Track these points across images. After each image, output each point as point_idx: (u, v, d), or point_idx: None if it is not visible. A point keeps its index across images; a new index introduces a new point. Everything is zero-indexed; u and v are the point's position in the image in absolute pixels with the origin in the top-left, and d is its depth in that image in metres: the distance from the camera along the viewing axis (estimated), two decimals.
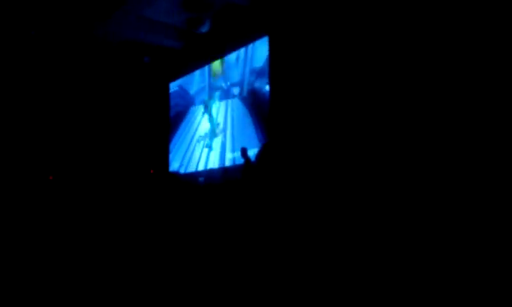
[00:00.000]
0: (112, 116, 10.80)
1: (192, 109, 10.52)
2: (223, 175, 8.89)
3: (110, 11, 8.53)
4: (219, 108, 9.59)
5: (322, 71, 6.77)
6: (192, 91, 10.65)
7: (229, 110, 9.22)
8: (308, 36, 7.07)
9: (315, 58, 6.93)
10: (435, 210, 3.60)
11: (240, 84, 8.99)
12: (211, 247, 2.58)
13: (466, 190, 4.25)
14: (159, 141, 11.13)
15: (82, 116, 10.41)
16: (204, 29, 8.98)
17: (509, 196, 3.80)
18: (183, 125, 10.78)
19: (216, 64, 9.75)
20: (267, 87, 8.14)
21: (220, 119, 9.49)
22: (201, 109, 10.21)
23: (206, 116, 9.96)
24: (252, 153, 7.45)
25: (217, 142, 9.40)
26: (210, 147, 9.52)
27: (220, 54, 9.38)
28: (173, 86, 11.18)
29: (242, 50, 8.92)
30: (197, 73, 10.43)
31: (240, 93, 8.93)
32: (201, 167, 9.75)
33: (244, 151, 7.37)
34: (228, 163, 8.91)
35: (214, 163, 9.36)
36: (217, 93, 9.72)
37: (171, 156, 10.90)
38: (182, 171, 10.26)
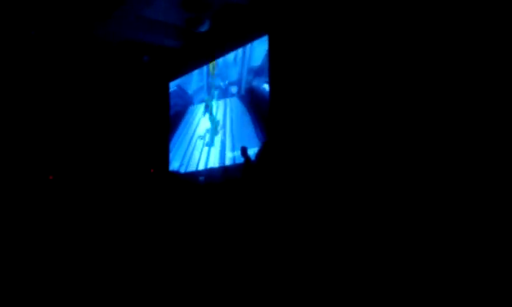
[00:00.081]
0: (112, 115, 10.80)
1: (191, 108, 10.54)
2: (223, 174, 8.90)
3: (109, 11, 8.53)
4: (218, 107, 9.61)
5: (322, 70, 6.77)
6: (191, 90, 10.67)
7: (228, 109, 9.24)
8: (308, 34, 7.07)
9: (314, 57, 6.93)
10: (435, 209, 3.61)
11: (238, 82, 9.02)
12: (211, 246, 2.59)
13: (466, 189, 4.25)
14: (159, 140, 11.13)
15: (82, 116, 10.41)
16: (203, 28, 8.98)
17: (509, 196, 3.81)
18: (182, 124, 10.78)
19: (214, 63, 9.79)
20: (265, 86, 8.16)
21: (219, 118, 9.51)
22: (201, 108, 10.22)
23: (206, 115, 9.96)
24: (252, 152, 7.46)
25: (217, 141, 9.41)
26: (212, 144, 9.53)
27: (220, 53, 9.38)
28: (172, 86, 11.19)
29: (240, 49, 8.95)
30: (195, 72, 10.44)
31: (238, 92, 8.97)
32: (201, 167, 9.76)
33: (244, 150, 7.38)
34: (228, 162, 8.91)
35: (214, 162, 9.37)
36: (216, 92, 9.74)
37: (171, 155, 10.91)
38: (182, 170, 10.27)
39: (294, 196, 2.43)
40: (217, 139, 9.41)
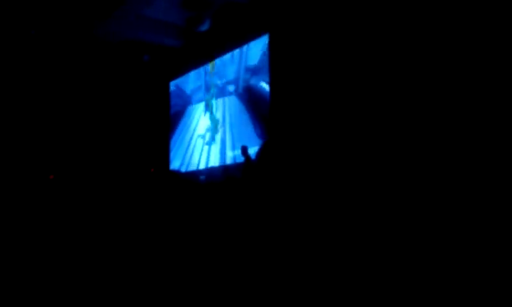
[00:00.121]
0: (112, 115, 10.81)
1: (190, 108, 10.58)
2: (224, 173, 8.90)
3: (109, 11, 8.53)
4: (217, 106, 9.64)
5: (323, 69, 6.76)
6: (189, 90, 10.72)
7: (226, 107, 9.29)
8: (308, 33, 7.07)
9: (315, 56, 6.92)
10: (435, 209, 3.60)
11: (235, 81, 9.09)
12: (212, 245, 2.59)
13: (466, 189, 4.25)
14: (159, 139, 11.13)
15: (82, 115, 10.41)
16: (204, 27, 8.98)
17: (509, 196, 3.80)
18: (182, 123, 10.80)
19: (214, 62, 9.82)
20: (263, 84, 8.23)
21: (218, 117, 9.53)
22: (199, 107, 10.24)
23: (206, 114, 9.97)
24: (252, 151, 7.46)
25: (217, 140, 9.43)
26: (212, 143, 9.54)
27: (220, 52, 9.38)
28: (171, 86, 11.21)
29: (238, 48, 9.02)
30: (192, 72, 10.47)
31: (236, 90, 9.03)
32: (202, 166, 9.77)
33: (244, 150, 7.38)
34: (228, 161, 8.92)
35: (214, 161, 9.37)
36: (214, 91, 9.78)
37: (171, 155, 10.92)
38: (183, 169, 10.28)
39: (294, 195, 2.42)
40: (218, 138, 9.42)
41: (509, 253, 2.46)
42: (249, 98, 8.61)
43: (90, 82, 10.58)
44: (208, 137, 9.75)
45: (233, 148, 8.81)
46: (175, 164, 10.70)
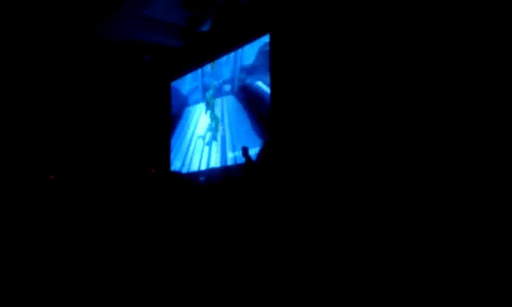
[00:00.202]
0: (113, 115, 10.80)
1: (187, 109, 10.62)
2: (224, 174, 8.90)
3: (110, 11, 8.51)
4: (215, 105, 9.68)
5: (323, 69, 6.74)
6: (185, 91, 10.76)
7: (225, 107, 9.32)
8: (309, 34, 7.05)
9: (316, 56, 6.91)
10: (435, 209, 3.58)
11: (231, 81, 9.16)
12: (212, 246, 2.57)
13: (466, 189, 4.23)
14: (160, 140, 11.12)
15: (83, 116, 10.40)
16: (205, 27, 8.96)
17: (509, 196, 3.78)
18: (180, 125, 10.83)
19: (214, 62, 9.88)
20: (259, 83, 8.29)
21: (218, 117, 9.57)
22: (198, 108, 10.27)
23: (207, 113, 9.98)
24: (253, 152, 7.45)
25: (218, 139, 9.43)
26: (212, 143, 9.54)
27: (221, 52, 9.37)
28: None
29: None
30: (189, 73, 10.53)
31: (232, 90, 9.09)
32: (203, 167, 9.76)
33: (245, 151, 7.36)
34: (229, 162, 8.91)
35: (215, 162, 9.36)
36: (211, 91, 9.81)
37: (172, 155, 10.91)
38: (184, 170, 10.27)
39: (295, 196, 2.40)
40: (218, 138, 9.42)
41: (508, 253, 2.44)
42: (246, 97, 8.69)
43: (91, 83, 10.57)
44: (209, 137, 9.75)
45: (234, 149, 8.80)
46: (176, 165, 10.69)
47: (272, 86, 7.94)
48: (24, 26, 8.91)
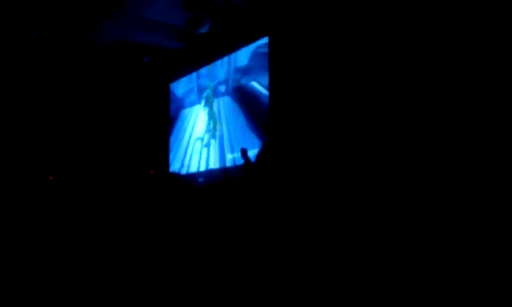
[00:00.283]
0: (112, 116, 10.80)
1: (184, 111, 10.67)
2: (223, 175, 8.91)
3: (110, 12, 8.53)
4: (212, 106, 9.72)
5: (322, 71, 6.76)
6: (180, 93, 10.81)
7: (221, 107, 9.37)
8: (308, 36, 7.07)
9: (314, 58, 6.93)
10: (435, 209, 3.60)
11: (225, 82, 9.25)
12: (211, 247, 2.58)
13: (466, 190, 4.25)
14: (159, 141, 11.13)
15: (82, 117, 10.40)
16: (204, 29, 8.99)
17: (509, 196, 3.80)
18: (177, 127, 10.88)
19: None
20: (254, 84, 8.38)
21: (216, 117, 9.62)
22: (195, 110, 10.32)
23: (205, 111, 10.01)
24: (252, 153, 7.47)
25: (217, 139, 9.47)
26: (214, 140, 9.56)
27: (220, 54, 9.40)
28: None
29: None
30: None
31: (227, 90, 9.18)
32: (202, 168, 9.77)
33: (244, 152, 7.37)
34: (228, 163, 8.93)
35: (214, 163, 9.38)
36: (209, 90, 9.87)
37: (171, 157, 10.92)
38: (183, 171, 10.28)
39: (294, 197, 2.42)
40: (217, 138, 9.46)
41: (508, 253, 2.46)
42: (241, 97, 8.77)
43: (90, 84, 10.57)
44: (207, 138, 9.77)
45: (232, 150, 8.83)
46: (175, 166, 10.70)
47: (270, 88, 7.97)
48: (24, 27, 8.91)
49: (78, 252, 3.25)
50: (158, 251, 2.69)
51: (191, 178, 9.73)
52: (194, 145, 10.18)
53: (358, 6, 6.29)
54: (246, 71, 8.65)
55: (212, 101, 9.72)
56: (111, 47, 10.05)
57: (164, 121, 11.19)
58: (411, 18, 5.56)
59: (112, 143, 10.69)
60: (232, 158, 8.80)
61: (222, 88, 9.38)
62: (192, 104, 10.40)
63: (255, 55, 8.43)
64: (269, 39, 8.07)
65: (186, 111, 10.62)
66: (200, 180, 9.42)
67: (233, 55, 9.04)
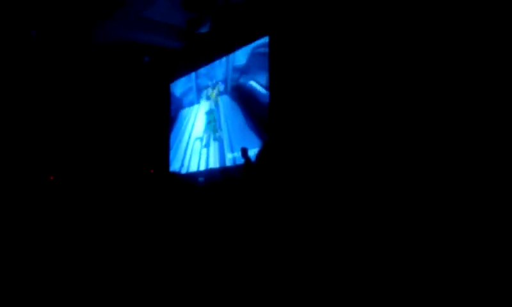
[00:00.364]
0: (112, 116, 10.81)
1: (183, 111, 10.68)
2: (223, 175, 8.92)
3: (110, 12, 8.53)
4: (211, 105, 9.74)
5: (322, 70, 6.77)
6: (178, 93, 10.82)
7: (221, 106, 9.37)
8: (308, 36, 7.08)
9: (314, 58, 6.93)
10: (435, 210, 3.60)
11: (224, 81, 9.29)
12: (211, 247, 2.59)
13: (466, 190, 4.25)
14: (159, 141, 11.13)
15: (82, 117, 10.41)
16: (204, 29, 8.99)
17: (509, 196, 3.80)
18: (177, 126, 10.89)
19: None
20: (252, 83, 8.42)
21: (216, 116, 9.62)
22: (194, 109, 10.33)
23: (202, 113, 10.01)
24: (252, 153, 7.47)
25: (217, 138, 9.48)
26: (214, 141, 9.56)
27: (221, 53, 9.41)
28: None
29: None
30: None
31: (226, 89, 9.22)
32: (202, 167, 9.78)
33: (244, 152, 7.38)
34: (228, 163, 8.94)
35: (214, 163, 9.39)
36: (205, 92, 9.94)
37: (171, 156, 10.92)
38: (183, 171, 10.29)
39: (294, 197, 2.42)
40: (217, 136, 9.47)
41: (508, 253, 2.46)
42: (240, 96, 8.82)
43: (90, 84, 10.58)
44: (207, 138, 9.78)
45: (232, 150, 8.84)
46: (175, 166, 10.71)
47: (271, 88, 7.97)
48: (24, 27, 8.92)
49: (78, 252, 3.25)
50: (158, 251, 2.70)
51: (191, 177, 9.74)
52: (194, 144, 10.19)
53: (358, 6, 6.29)
54: (244, 70, 8.69)
55: (216, 101, 9.73)
56: (111, 47, 10.05)
57: (164, 120, 11.19)
58: (411, 18, 5.56)
59: (112, 143, 10.69)
60: (232, 157, 8.81)
61: (221, 87, 9.41)
62: (192, 104, 10.41)
63: (253, 54, 8.46)
64: (270, 39, 8.08)
65: (185, 111, 10.64)
66: (200, 179, 9.43)
67: (231, 55, 9.08)
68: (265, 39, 8.20)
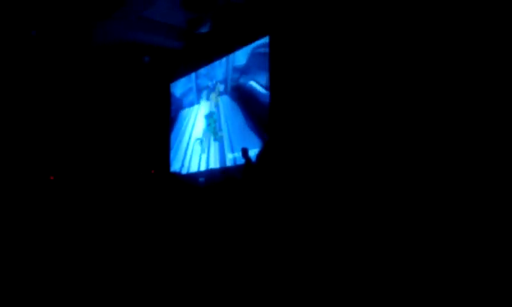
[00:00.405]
0: (113, 116, 10.81)
1: (183, 112, 10.68)
2: (224, 175, 8.92)
3: (110, 12, 8.53)
4: (211, 105, 9.74)
5: (322, 70, 6.77)
6: (178, 94, 10.82)
7: (221, 106, 9.38)
8: (308, 36, 7.08)
9: (314, 58, 6.93)
10: (435, 210, 3.59)
11: (224, 81, 9.30)
12: (212, 247, 2.58)
13: (466, 190, 4.24)
14: (159, 141, 11.14)
15: (83, 117, 10.42)
16: (204, 29, 8.99)
17: (509, 196, 3.80)
18: (177, 127, 10.89)
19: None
20: (252, 83, 8.45)
21: (216, 117, 9.63)
22: (194, 110, 10.34)
23: (203, 114, 10.01)
24: (253, 153, 7.47)
25: (217, 138, 9.49)
26: (214, 141, 9.56)
27: (221, 54, 9.41)
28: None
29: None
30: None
31: (226, 89, 9.25)
32: (202, 168, 9.78)
33: (244, 152, 7.38)
34: (228, 163, 8.94)
35: (215, 163, 9.39)
36: (205, 92, 9.85)
37: (171, 157, 10.92)
38: (183, 171, 10.29)
39: (295, 197, 2.42)
40: (217, 137, 9.47)
41: (509, 253, 2.45)
42: (240, 96, 8.84)
43: (90, 84, 10.58)
44: (207, 138, 9.78)
45: (233, 150, 8.84)
46: (175, 166, 10.72)
47: (271, 88, 7.97)
48: (24, 27, 8.92)
49: (79, 252, 3.25)
50: (159, 251, 2.69)
51: (192, 177, 9.74)
52: (194, 144, 10.19)
53: (358, 6, 6.29)
54: (244, 70, 8.71)
55: (217, 102, 9.74)
56: (111, 47, 10.05)
57: (164, 120, 11.20)
58: (411, 18, 5.56)
59: (113, 143, 10.70)
60: (233, 158, 8.81)
61: (221, 87, 9.43)
62: (192, 104, 10.41)
63: (253, 55, 8.47)
64: (270, 39, 8.08)
65: (185, 111, 10.64)
66: (201, 179, 9.43)
67: (231, 55, 9.10)
68: (265, 40, 8.20)
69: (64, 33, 9.33)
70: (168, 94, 11.27)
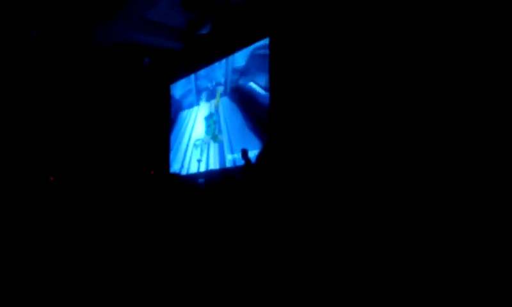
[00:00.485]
0: (113, 117, 10.82)
1: (183, 113, 10.70)
2: (223, 176, 8.91)
3: (113, 12, 8.53)
4: (211, 107, 9.75)
5: (322, 72, 6.78)
6: (178, 95, 10.84)
7: (220, 108, 9.37)
8: (309, 38, 7.09)
9: (314, 59, 6.94)
10: (435, 209, 3.60)
11: (224, 83, 9.32)
12: (211, 247, 2.59)
13: (466, 190, 4.25)
14: (159, 142, 11.14)
15: (83, 117, 10.42)
16: (205, 30, 9.00)
17: (509, 196, 3.80)
18: (177, 128, 10.90)
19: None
20: (251, 84, 8.44)
21: (215, 118, 9.63)
22: (193, 111, 10.35)
23: (202, 115, 10.02)
24: (252, 154, 7.48)
25: (217, 139, 9.49)
26: (214, 142, 9.56)
27: (221, 55, 9.42)
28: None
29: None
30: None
31: (225, 91, 9.25)
32: (202, 169, 9.78)
33: (244, 153, 7.38)
34: (228, 164, 8.94)
35: (214, 164, 9.39)
36: (205, 93, 9.86)
37: (171, 158, 10.93)
38: (183, 172, 10.29)
39: (294, 197, 2.43)
40: (217, 139, 9.47)
41: (509, 253, 2.46)
42: (239, 97, 8.83)
43: (90, 85, 10.59)
44: (207, 139, 9.78)
45: (232, 151, 8.84)
46: (175, 167, 10.72)
47: (271, 89, 7.98)
48: (25, 28, 8.93)
49: (79, 253, 3.26)
50: (159, 251, 2.70)
51: (191, 178, 9.74)
52: (193, 147, 10.20)
53: (358, 7, 6.30)
54: (243, 72, 8.71)
55: (216, 103, 9.74)
56: (111, 48, 10.06)
57: (164, 121, 11.20)
58: (411, 18, 5.57)
59: (113, 144, 10.70)
60: (232, 159, 8.81)
61: (220, 89, 9.43)
62: (191, 106, 10.42)
63: (253, 56, 8.48)
64: (270, 41, 8.09)
65: (185, 113, 10.65)
66: (200, 180, 9.43)
67: (231, 56, 9.10)
68: (265, 41, 8.20)
69: (65, 34, 9.34)
70: (167, 96, 11.27)
